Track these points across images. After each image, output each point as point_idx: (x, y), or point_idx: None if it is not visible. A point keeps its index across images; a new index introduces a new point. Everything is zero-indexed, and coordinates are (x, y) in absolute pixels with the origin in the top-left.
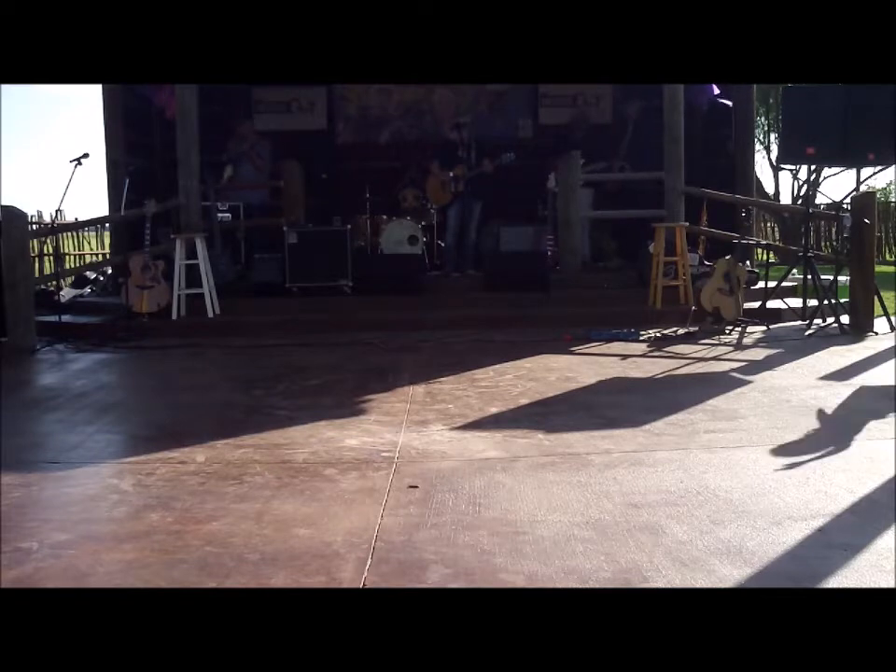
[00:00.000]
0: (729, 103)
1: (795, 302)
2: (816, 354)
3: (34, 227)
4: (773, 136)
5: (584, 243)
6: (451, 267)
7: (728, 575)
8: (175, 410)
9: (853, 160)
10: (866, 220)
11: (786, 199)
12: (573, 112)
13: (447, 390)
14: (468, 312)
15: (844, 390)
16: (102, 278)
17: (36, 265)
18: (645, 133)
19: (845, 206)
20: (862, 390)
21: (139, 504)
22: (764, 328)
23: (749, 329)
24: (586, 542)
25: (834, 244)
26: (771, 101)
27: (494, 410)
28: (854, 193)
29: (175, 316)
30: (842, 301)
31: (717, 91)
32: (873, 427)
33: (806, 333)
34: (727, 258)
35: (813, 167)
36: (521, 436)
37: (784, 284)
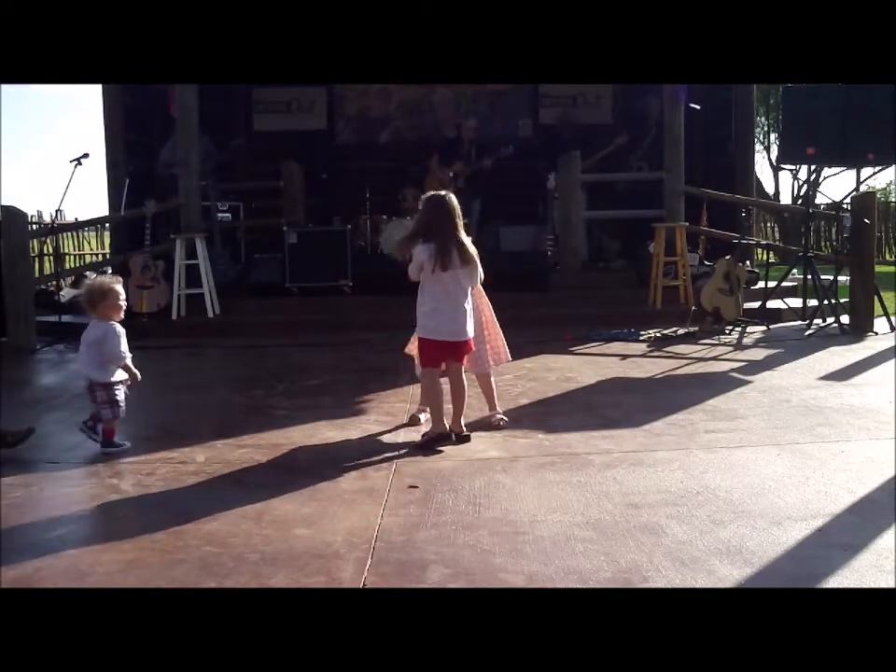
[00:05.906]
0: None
1: (795, 302)
2: (816, 354)
3: (34, 227)
4: (773, 136)
5: (584, 242)
6: None
7: (728, 575)
8: (175, 410)
9: (853, 160)
10: (866, 220)
11: (786, 199)
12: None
13: (447, 390)
14: None
15: (844, 390)
16: None
17: (36, 265)
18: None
19: (845, 206)
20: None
21: (139, 504)
22: (764, 328)
23: (749, 328)
24: (586, 542)
25: (834, 244)
26: (771, 101)
27: None
28: (854, 193)
29: (174, 316)
30: (842, 300)
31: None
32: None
33: (806, 333)
34: (727, 258)
35: (813, 167)
36: (521, 436)
37: (784, 284)
